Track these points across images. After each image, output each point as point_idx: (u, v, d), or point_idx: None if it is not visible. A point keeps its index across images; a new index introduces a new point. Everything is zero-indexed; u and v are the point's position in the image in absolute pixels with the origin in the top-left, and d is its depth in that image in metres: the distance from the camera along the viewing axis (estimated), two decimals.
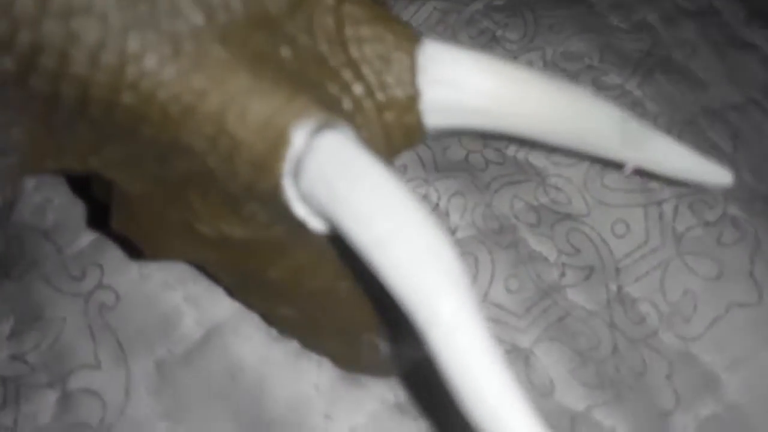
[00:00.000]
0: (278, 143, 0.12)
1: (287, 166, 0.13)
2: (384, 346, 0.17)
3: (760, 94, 0.26)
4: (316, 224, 0.13)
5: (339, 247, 0.14)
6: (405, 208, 0.12)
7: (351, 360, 0.18)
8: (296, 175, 0.13)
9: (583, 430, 0.19)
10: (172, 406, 0.19)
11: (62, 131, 0.14)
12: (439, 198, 0.22)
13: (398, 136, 0.15)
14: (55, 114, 0.13)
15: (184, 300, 0.20)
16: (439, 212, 0.22)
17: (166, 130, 0.13)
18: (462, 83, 0.14)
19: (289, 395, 0.18)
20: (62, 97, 0.13)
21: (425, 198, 0.22)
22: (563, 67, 0.25)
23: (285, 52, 0.13)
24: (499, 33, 0.26)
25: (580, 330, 0.20)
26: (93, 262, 0.20)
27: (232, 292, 0.19)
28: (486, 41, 0.26)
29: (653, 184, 0.22)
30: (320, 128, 0.12)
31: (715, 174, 0.17)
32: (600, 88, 0.24)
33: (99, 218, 0.21)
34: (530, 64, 0.25)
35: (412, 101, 0.14)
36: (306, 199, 0.13)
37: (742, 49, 0.27)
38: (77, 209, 0.21)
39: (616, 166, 0.17)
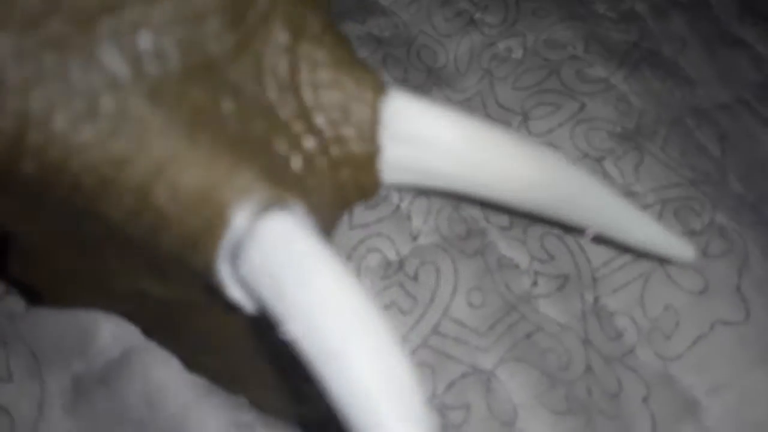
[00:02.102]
0: (215, 223, 0.10)
1: (224, 249, 0.11)
2: (295, 404, 0.16)
3: (751, 94, 0.24)
4: (251, 309, 0.11)
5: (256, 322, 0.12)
6: (359, 315, 0.10)
7: (276, 408, 0.16)
8: (234, 258, 0.11)
9: None
10: (89, 428, 0.17)
11: None
12: (401, 199, 0.20)
13: (352, 193, 0.13)
14: None
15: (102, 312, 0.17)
16: (400, 215, 0.20)
17: (77, 199, 0.11)
18: (427, 143, 0.13)
19: (215, 429, 0.16)
20: None
21: (386, 199, 0.20)
22: (545, 56, 0.23)
23: (227, 105, 0.11)
24: (477, 16, 0.24)
25: (550, 347, 0.18)
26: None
27: (147, 334, 0.17)
28: (463, 24, 0.24)
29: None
30: (266, 208, 0.11)
31: (678, 249, 0.16)
32: (583, 81, 0.22)
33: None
34: (509, 51, 0.23)
35: (370, 159, 0.13)
36: (244, 286, 0.11)
37: (733, 47, 0.25)
38: None
39: (578, 230, 0.16)
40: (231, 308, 0.11)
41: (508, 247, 0.20)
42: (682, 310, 0.19)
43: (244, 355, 0.14)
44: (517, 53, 0.23)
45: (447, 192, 0.14)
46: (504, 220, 0.20)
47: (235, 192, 0.10)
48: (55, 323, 0.17)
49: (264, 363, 0.14)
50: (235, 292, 0.11)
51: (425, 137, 0.13)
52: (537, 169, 0.14)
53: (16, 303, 0.18)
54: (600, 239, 0.17)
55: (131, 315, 0.15)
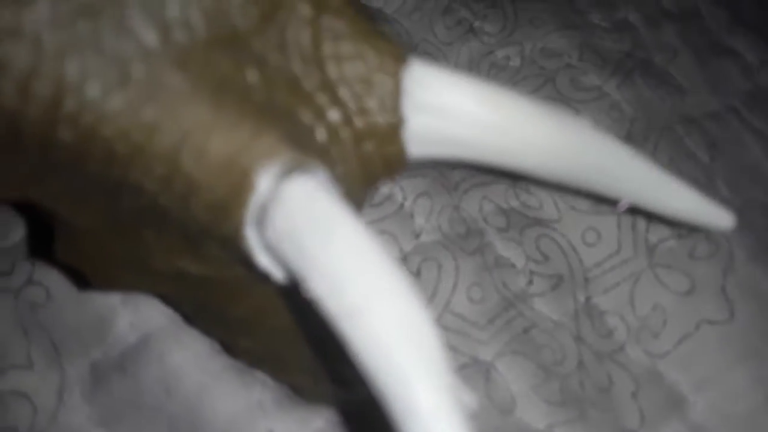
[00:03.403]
0: (241, 188, 0.11)
1: (250, 214, 0.11)
2: (333, 387, 0.16)
3: (740, 103, 0.25)
4: (279, 276, 0.12)
5: (295, 298, 0.13)
6: (382, 274, 0.10)
7: (316, 392, 0.17)
8: (260, 223, 0.11)
9: None
10: (106, 414, 0.17)
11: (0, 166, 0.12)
12: (404, 198, 0.21)
13: (377, 167, 0.13)
14: None
15: (120, 301, 0.18)
16: (403, 214, 0.21)
17: (112, 169, 0.11)
18: (451, 111, 0.13)
19: (230, 411, 0.17)
20: None
21: (390, 198, 0.21)
22: (541, 65, 0.24)
23: (251, 75, 0.12)
24: (477, 24, 0.25)
25: (545, 343, 0.19)
26: (23, 257, 0.19)
27: (190, 320, 0.18)
28: (463, 32, 0.25)
29: None
30: (289, 171, 0.11)
31: (716, 217, 0.16)
32: (578, 88, 0.23)
33: (42, 241, 0.19)
34: (507, 59, 0.24)
35: (394, 130, 0.13)
36: (270, 251, 0.11)
37: (723, 56, 0.26)
38: (8, 206, 0.20)
39: (609, 202, 0.16)
40: (262, 278, 0.12)
41: (505, 247, 0.21)
42: (670, 309, 0.20)
43: (284, 337, 0.15)
44: (515, 61, 0.24)
45: (473, 163, 0.14)
46: (501, 221, 0.21)
47: (260, 155, 0.11)
48: (74, 313, 0.18)
49: (304, 345, 0.15)
50: (263, 259, 0.11)
51: (449, 106, 0.13)
52: (564, 135, 0.13)
53: (36, 294, 0.18)
54: (633, 210, 0.17)
55: (174, 298, 0.15)
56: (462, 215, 0.21)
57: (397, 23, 0.25)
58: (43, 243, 0.16)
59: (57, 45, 0.10)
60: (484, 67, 0.24)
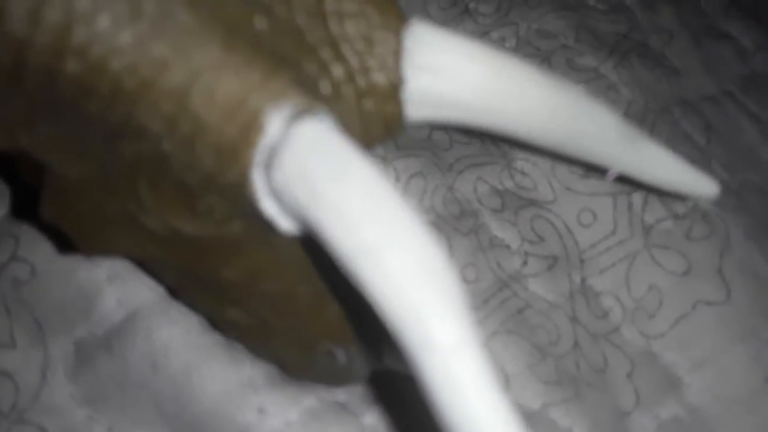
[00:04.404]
0: (250, 128, 0.11)
1: (259, 156, 0.11)
2: (341, 356, 0.16)
3: (735, 86, 0.25)
4: (285, 224, 0.12)
5: (312, 250, 0.12)
6: (396, 212, 0.10)
7: (303, 369, 0.17)
8: (268, 167, 0.11)
9: (539, 429, 0.18)
10: (92, 393, 0.17)
11: None
12: (397, 179, 0.21)
13: (376, 126, 0.13)
14: None
15: (107, 277, 0.18)
16: None
17: (116, 107, 0.11)
18: (451, 72, 0.13)
19: (219, 388, 0.17)
20: None
21: None
22: (537, 46, 0.24)
23: (260, 22, 0.12)
24: (472, 5, 0.25)
25: (540, 323, 0.19)
26: (7, 233, 0.18)
27: (175, 292, 0.17)
28: (458, 13, 0.25)
29: None
30: (299, 114, 0.11)
31: (702, 185, 0.17)
32: (574, 69, 0.23)
33: (26, 206, 0.19)
34: (503, 40, 0.24)
35: (394, 89, 0.13)
36: (278, 196, 0.11)
37: (719, 40, 0.26)
38: None
39: (598, 170, 0.16)
40: (264, 229, 0.12)
41: (499, 228, 0.20)
42: (666, 290, 0.20)
43: (274, 305, 0.14)
44: (510, 42, 0.24)
45: (469, 126, 0.14)
46: (496, 202, 0.21)
47: (270, 97, 0.11)
48: (58, 290, 0.18)
49: (294, 313, 0.15)
50: (269, 206, 0.11)
51: (448, 67, 0.13)
52: (560, 100, 0.14)
53: (20, 270, 0.18)
54: (622, 179, 0.17)
55: (163, 266, 0.15)
56: (456, 196, 0.21)
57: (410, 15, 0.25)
58: (29, 211, 0.15)
59: None
60: None
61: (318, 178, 0.10)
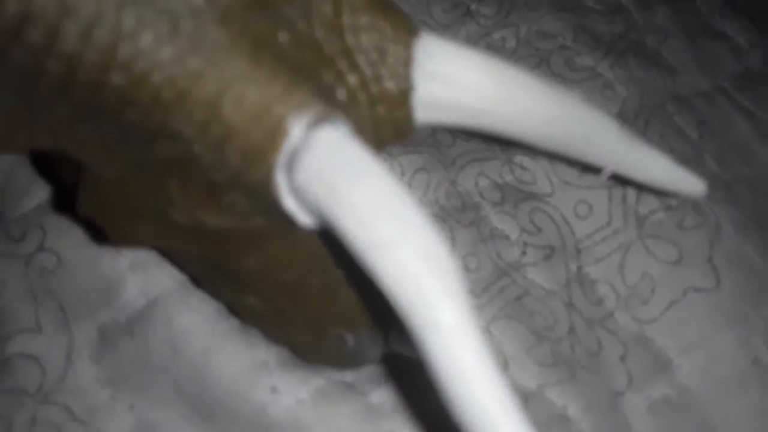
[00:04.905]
0: (275, 133, 0.12)
1: (282, 158, 0.12)
2: (351, 341, 0.17)
3: (729, 83, 0.26)
4: (304, 219, 0.13)
5: (328, 242, 0.13)
6: (407, 211, 0.11)
7: (315, 353, 0.18)
8: (290, 167, 0.12)
9: (535, 408, 0.19)
10: (114, 375, 0.18)
11: (39, 108, 0.13)
12: (402, 173, 0.22)
13: (388, 130, 0.14)
14: (35, 90, 0.12)
15: (129, 266, 0.19)
16: None
17: (154, 114, 0.12)
18: (457, 80, 0.14)
19: (235, 370, 0.18)
20: (46, 74, 0.12)
21: None
22: (536, 46, 0.25)
23: (283, 36, 0.13)
24: (473, 7, 0.26)
25: (537, 309, 0.20)
26: (35, 225, 0.20)
27: (197, 281, 0.19)
28: (460, 15, 0.26)
29: None
30: (319, 121, 0.12)
31: (690, 185, 0.18)
32: (572, 69, 0.24)
33: (63, 201, 0.20)
34: (503, 41, 0.25)
35: (404, 96, 0.14)
36: (298, 194, 0.12)
37: (714, 38, 0.27)
38: (22, 174, 0.21)
39: (594, 170, 0.17)
40: (285, 224, 0.13)
41: (499, 220, 0.21)
42: (658, 278, 0.21)
43: (289, 293, 0.16)
44: (511, 43, 0.25)
45: (473, 129, 0.15)
46: (496, 196, 0.22)
47: (292, 105, 0.12)
48: (83, 278, 0.19)
49: (308, 301, 0.16)
50: (290, 203, 0.12)
51: (455, 76, 0.14)
52: (557, 106, 0.15)
53: (47, 260, 0.19)
54: (616, 178, 0.18)
55: (187, 255, 0.16)
56: (458, 189, 0.22)
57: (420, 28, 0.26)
58: (63, 205, 0.16)
59: None
60: (480, 48, 0.25)
61: (336, 179, 0.12)
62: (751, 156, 0.24)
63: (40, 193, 0.20)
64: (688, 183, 0.18)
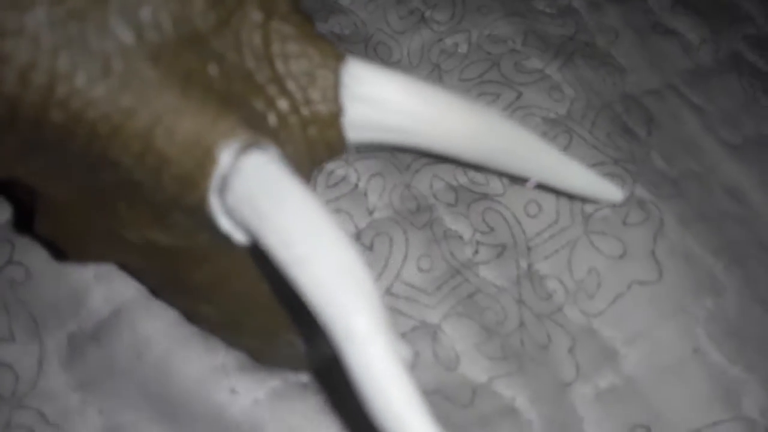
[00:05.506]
0: (205, 162, 0.13)
1: (213, 183, 0.13)
2: (301, 344, 0.18)
3: (680, 80, 0.27)
4: (239, 237, 0.14)
5: (258, 257, 0.14)
6: (323, 229, 0.12)
7: (269, 356, 0.19)
8: (222, 191, 0.13)
9: (484, 400, 0.20)
10: (83, 380, 0.19)
11: None
12: (358, 178, 0.22)
13: (321, 149, 0.15)
14: None
15: (94, 277, 0.20)
16: (357, 193, 0.22)
17: (93, 147, 0.13)
18: (382, 102, 0.15)
19: (196, 373, 0.19)
20: None
21: (345, 179, 0.22)
22: (487, 50, 0.26)
23: (212, 69, 0.14)
24: (427, 14, 0.26)
25: (488, 305, 0.21)
26: (3, 239, 0.21)
27: (155, 292, 0.20)
28: (415, 21, 0.26)
29: None
30: (246, 147, 0.13)
31: (608, 192, 0.19)
32: (521, 72, 0.25)
33: (21, 217, 0.21)
34: (456, 46, 0.26)
35: (335, 117, 0.15)
36: (231, 214, 0.13)
37: (665, 36, 0.28)
38: None
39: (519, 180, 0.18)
40: (224, 241, 0.14)
41: (453, 221, 0.22)
42: (604, 272, 0.22)
43: (241, 302, 0.17)
44: (463, 48, 0.26)
45: (403, 146, 0.16)
46: (450, 197, 0.23)
47: (221, 134, 0.13)
48: (51, 289, 0.20)
49: (260, 310, 0.17)
50: (224, 222, 0.14)
51: (381, 98, 0.15)
52: (479, 123, 0.16)
53: (15, 272, 0.20)
54: (541, 187, 0.20)
55: (142, 269, 0.17)
56: (413, 193, 0.23)
57: (352, 14, 0.27)
58: (26, 222, 0.17)
59: (52, 42, 0.13)
60: (434, 53, 0.26)
61: (261, 200, 0.13)
62: (699, 151, 0.25)
63: (6, 209, 0.21)
64: (606, 191, 0.19)
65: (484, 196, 0.23)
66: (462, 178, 0.23)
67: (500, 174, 0.23)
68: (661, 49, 0.28)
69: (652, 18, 0.28)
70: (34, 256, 0.20)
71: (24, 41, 0.12)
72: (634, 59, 0.27)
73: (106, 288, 0.20)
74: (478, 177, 0.23)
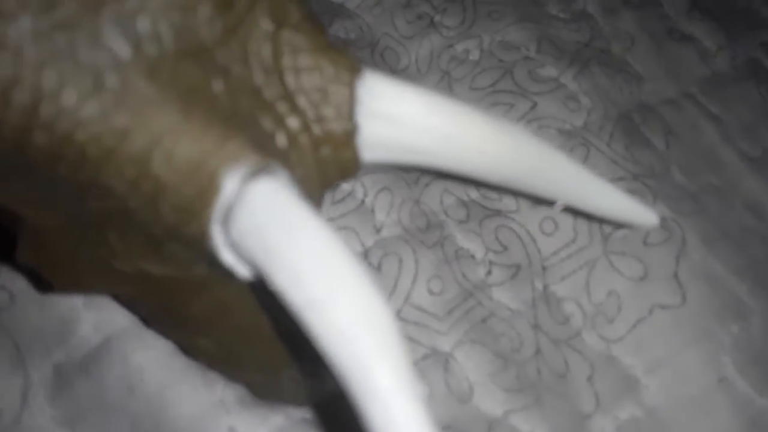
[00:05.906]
0: (207, 189, 0.11)
1: (216, 213, 0.12)
2: (303, 379, 0.17)
3: (697, 88, 0.26)
4: (243, 272, 0.12)
5: (258, 288, 0.13)
6: (341, 267, 0.11)
7: (271, 391, 0.18)
8: (226, 222, 0.12)
9: None
10: (71, 414, 0.18)
11: None
12: (365, 194, 0.21)
13: (333, 171, 0.14)
14: None
15: (83, 304, 0.19)
16: (364, 209, 0.21)
17: (83, 171, 0.12)
18: (402, 119, 0.14)
19: (192, 409, 0.18)
20: None
21: (351, 194, 0.21)
22: (500, 57, 0.24)
23: (217, 85, 0.12)
24: (437, 18, 0.25)
25: (503, 331, 0.20)
26: None
27: (147, 322, 0.18)
28: (423, 26, 0.25)
29: None
30: (254, 173, 0.12)
31: (642, 216, 0.18)
32: (535, 80, 0.24)
33: (4, 245, 0.19)
34: (467, 52, 0.24)
35: (349, 136, 0.14)
36: (235, 248, 0.12)
37: (681, 42, 0.27)
38: None
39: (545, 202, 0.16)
40: (226, 275, 0.12)
41: (464, 239, 0.21)
42: (624, 295, 0.21)
43: (240, 336, 0.15)
44: (474, 55, 0.24)
45: (421, 168, 0.15)
46: (461, 213, 0.22)
47: (226, 158, 0.11)
48: (37, 316, 0.19)
49: (260, 343, 0.15)
50: (227, 256, 0.12)
51: (400, 114, 0.14)
52: (505, 142, 0.14)
53: (0, 297, 0.19)
54: (569, 210, 0.18)
55: (134, 299, 0.16)
56: (422, 209, 0.21)
57: (358, 18, 0.25)
58: (7, 248, 0.16)
59: (36, 56, 0.11)
60: (444, 60, 0.24)
61: (270, 234, 0.11)
62: (718, 163, 0.24)
63: None
64: (641, 215, 0.18)
65: (497, 213, 0.22)
66: (473, 192, 0.22)
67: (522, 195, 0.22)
68: (678, 55, 0.26)
69: (668, 23, 0.27)
70: (19, 280, 0.19)
71: (5, 54, 0.11)
72: (651, 66, 0.26)
73: (96, 315, 0.19)
74: (491, 192, 0.22)
